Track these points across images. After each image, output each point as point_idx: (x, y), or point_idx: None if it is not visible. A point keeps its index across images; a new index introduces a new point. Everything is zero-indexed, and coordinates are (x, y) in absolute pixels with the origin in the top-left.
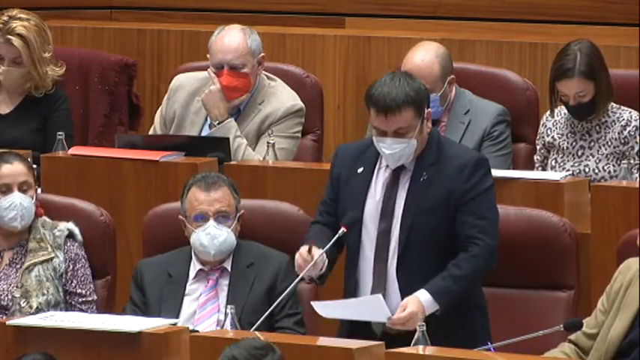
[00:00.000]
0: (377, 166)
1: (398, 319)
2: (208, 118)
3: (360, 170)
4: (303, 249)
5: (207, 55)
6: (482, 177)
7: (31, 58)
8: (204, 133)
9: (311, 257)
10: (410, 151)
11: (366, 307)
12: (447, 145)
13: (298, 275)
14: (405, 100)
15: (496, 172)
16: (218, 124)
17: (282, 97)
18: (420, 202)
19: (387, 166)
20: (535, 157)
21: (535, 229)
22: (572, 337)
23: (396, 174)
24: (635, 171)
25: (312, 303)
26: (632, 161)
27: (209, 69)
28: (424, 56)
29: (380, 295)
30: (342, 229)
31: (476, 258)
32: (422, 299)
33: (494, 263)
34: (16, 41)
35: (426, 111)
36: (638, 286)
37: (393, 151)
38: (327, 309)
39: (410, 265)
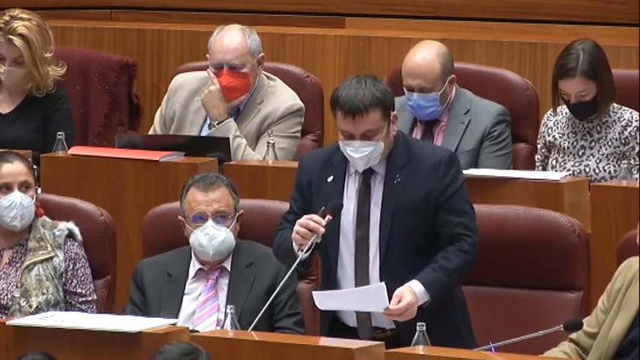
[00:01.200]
0: (346, 173)
1: (396, 309)
2: (208, 118)
3: (330, 179)
4: (314, 216)
5: (207, 55)
6: (456, 173)
7: (32, 58)
8: (203, 133)
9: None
10: (377, 153)
11: (367, 296)
12: (415, 145)
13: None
14: (372, 102)
15: (496, 172)
16: (218, 124)
17: (282, 97)
18: (397, 205)
19: (357, 171)
20: (536, 157)
21: (543, 229)
22: (572, 335)
23: (367, 179)
24: (635, 171)
25: (313, 293)
26: (632, 161)
27: (209, 69)
28: (425, 55)
29: (383, 284)
30: (328, 217)
31: (466, 253)
32: (415, 289)
33: (477, 260)
34: (17, 41)
35: (392, 113)
36: (639, 286)
37: (361, 154)
38: (325, 300)
39: (393, 268)
